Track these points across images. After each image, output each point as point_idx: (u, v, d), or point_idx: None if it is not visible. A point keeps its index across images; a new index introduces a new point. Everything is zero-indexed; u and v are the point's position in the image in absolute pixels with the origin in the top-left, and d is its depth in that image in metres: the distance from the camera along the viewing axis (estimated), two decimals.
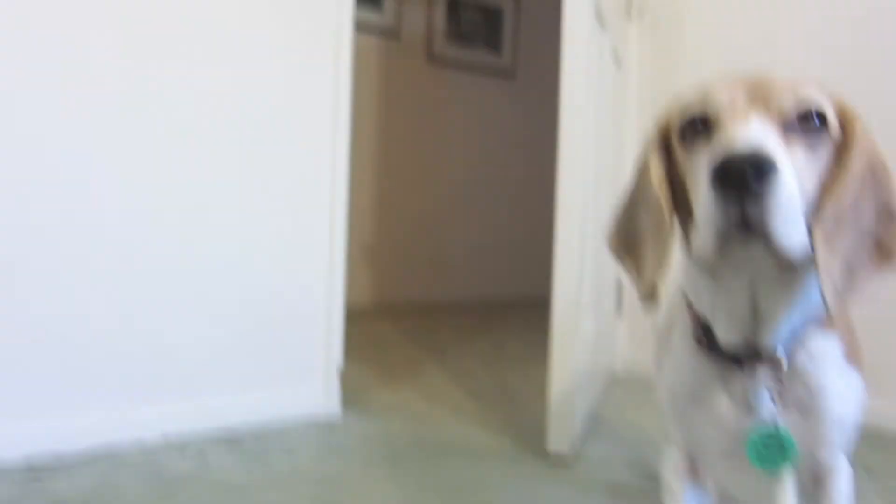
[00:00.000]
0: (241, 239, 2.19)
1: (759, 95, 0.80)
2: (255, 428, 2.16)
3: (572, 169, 1.95)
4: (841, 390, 0.92)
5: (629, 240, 0.96)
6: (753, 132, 0.74)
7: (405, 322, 4.63)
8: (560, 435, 1.96)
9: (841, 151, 0.82)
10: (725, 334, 0.89)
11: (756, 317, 0.87)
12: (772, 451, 0.88)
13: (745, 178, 0.70)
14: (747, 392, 0.90)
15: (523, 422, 2.31)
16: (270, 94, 2.24)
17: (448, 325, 4.58)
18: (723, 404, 0.92)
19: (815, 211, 0.79)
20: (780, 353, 0.88)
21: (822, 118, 0.80)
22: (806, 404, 0.90)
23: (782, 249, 0.73)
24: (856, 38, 2.50)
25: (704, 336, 0.92)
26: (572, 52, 1.95)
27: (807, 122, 0.79)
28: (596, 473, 1.86)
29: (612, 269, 2.76)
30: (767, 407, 0.89)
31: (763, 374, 0.89)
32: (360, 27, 4.87)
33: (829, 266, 0.78)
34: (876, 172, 0.82)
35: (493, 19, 5.82)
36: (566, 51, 1.95)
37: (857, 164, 0.80)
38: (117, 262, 1.98)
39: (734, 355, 0.90)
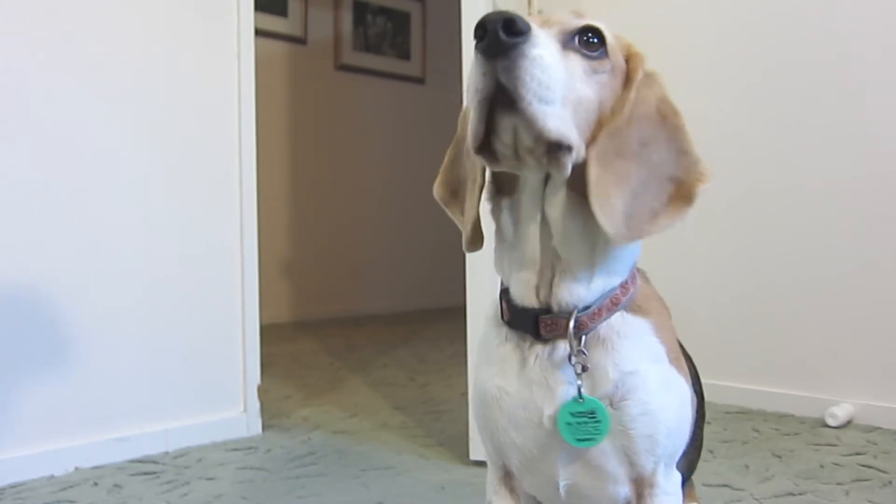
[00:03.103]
0: (148, 261, 2.14)
1: (550, 20, 0.82)
2: (174, 456, 2.11)
3: None
4: (653, 377, 0.87)
5: (453, 187, 0.98)
6: (538, 38, 0.74)
7: (325, 336, 4.60)
8: (481, 443, 1.96)
9: (626, 86, 0.85)
10: (521, 288, 0.88)
11: (554, 264, 0.86)
12: (584, 424, 0.84)
13: (497, 35, 0.71)
14: (546, 369, 0.87)
15: (447, 431, 2.32)
16: (170, 104, 2.20)
17: (369, 337, 4.56)
18: (522, 393, 0.88)
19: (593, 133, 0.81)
20: (575, 315, 0.85)
21: (599, 37, 0.82)
22: (616, 389, 0.86)
23: (535, 122, 0.73)
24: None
25: (508, 308, 0.91)
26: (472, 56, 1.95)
27: (587, 41, 0.81)
28: None
29: None
30: (569, 382, 0.86)
31: (564, 348, 0.86)
32: (266, 34, 4.83)
33: (601, 185, 0.79)
34: (668, 118, 0.86)
35: (400, 25, 5.82)
36: (466, 56, 1.96)
37: (637, 92, 0.83)
38: (20, 293, 1.91)
39: (533, 324, 0.87)
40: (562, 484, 0.90)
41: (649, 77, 0.87)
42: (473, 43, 0.74)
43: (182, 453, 2.13)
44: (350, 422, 2.47)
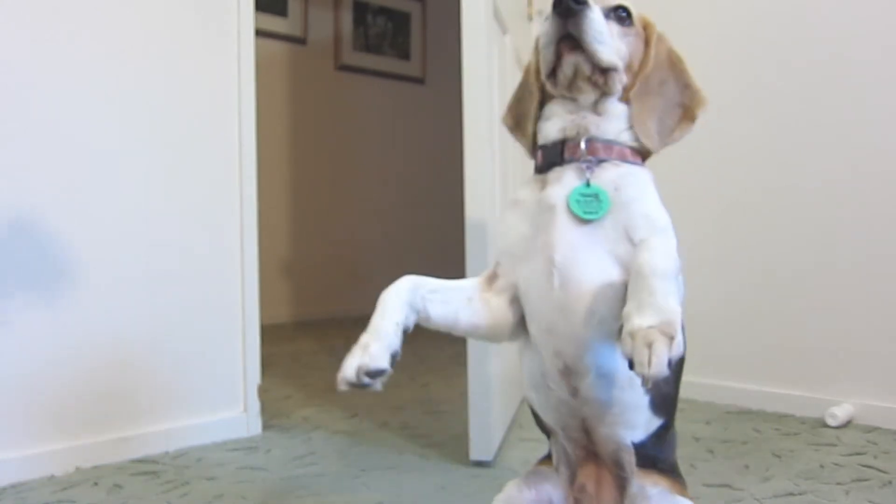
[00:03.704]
0: (148, 260, 2.14)
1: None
2: (174, 456, 2.11)
3: (478, 173, 1.97)
4: (650, 191, 1.10)
5: (517, 119, 1.28)
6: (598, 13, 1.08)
7: (325, 336, 4.60)
8: (481, 443, 1.97)
9: (646, 47, 1.17)
10: (556, 125, 1.15)
11: (586, 115, 1.14)
12: (589, 201, 1.07)
13: (569, 3, 1.05)
14: (563, 174, 1.11)
15: (447, 432, 2.32)
16: (170, 104, 2.20)
17: None
18: (539, 195, 1.12)
19: (632, 80, 1.14)
20: (591, 135, 1.12)
21: (627, 12, 1.15)
22: (619, 179, 1.09)
23: (595, 54, 1.07)
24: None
25: (542, 156, 1.17)
26: (472, 56, 1.96)
27: (618, 15, 1.13)
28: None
29: None
30: (579, 179, 1.10)
31: (577, 167, 1.11)
32: (266, 34, 4.83)
33: (641, 115, 1.13)
34: (675, 63, 1.19)
35: (400, 25, 5.82)
36: (466, 56, 1.96)
37: (655, 50, 1.17)
38: (16, 292, 1.91)
39: (560, 150, 1.13)
40: (557, 260, 1.06)
41: (660, 37, 1.19)
42: (549, 10, 1.07)
43: (182, 453, 2.13)
44: (350, 422, 2.47)
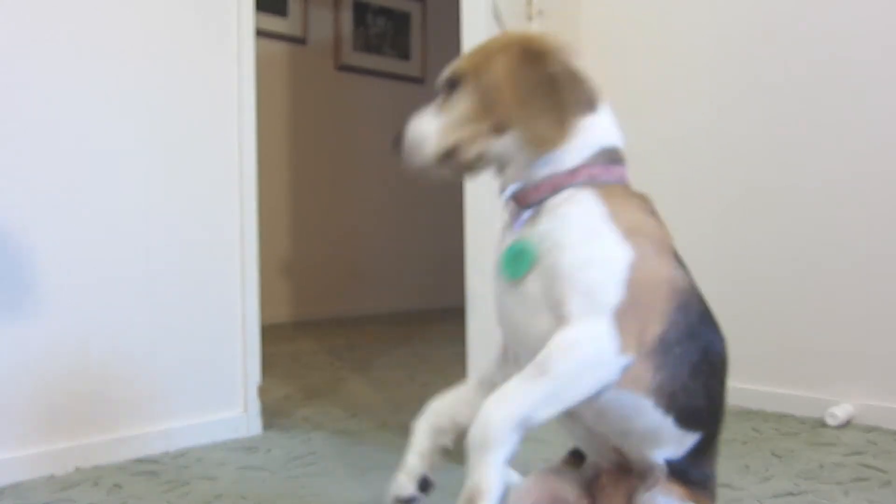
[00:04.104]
0: (147, 261, 2.14)
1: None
2: (174, 456, 2.11)
3: None
4: (576, 222, 1.04)
5: None
6: (413, 124, 1.15)
7: (325, 336, 4.59)
8: None
9: (496, 75, 1.11)
10: (505, 187, 1.14)
11: (508, 169, 1.13)
12: (516, 258, 1.05)
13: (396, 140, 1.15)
14: (507, 232, 1.12)
15: None
16: (170, 104, 2.20)
17: (369, 337, 4.56)
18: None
19: (507, 114, 1.08)
20: (513, 189, 1.11)
21: (452, 76, 1.14)
22: (545, 227, 1.05)
23: (428, 159, 1.12)
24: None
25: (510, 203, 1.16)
26: None
27: (450, 85, 1.14)
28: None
29: None
30: (517, 230, 1.09)
31: (523, 216, 1.09)
32: (266, 34, 4.83)
33: (533, 131, 1.06)
34: (522, 56, 1.09)
35: (400, 25, 5.82)
36: None
37: (501, 71, 1.08)
38: (18, 294, 1.92)
39: (514, 206, 1.13)
40: (504, 321, 1.10)
41: (496, 58, 1.11)
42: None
43: (182, 453, 2.13)
44: (350, 422, 2.47)
